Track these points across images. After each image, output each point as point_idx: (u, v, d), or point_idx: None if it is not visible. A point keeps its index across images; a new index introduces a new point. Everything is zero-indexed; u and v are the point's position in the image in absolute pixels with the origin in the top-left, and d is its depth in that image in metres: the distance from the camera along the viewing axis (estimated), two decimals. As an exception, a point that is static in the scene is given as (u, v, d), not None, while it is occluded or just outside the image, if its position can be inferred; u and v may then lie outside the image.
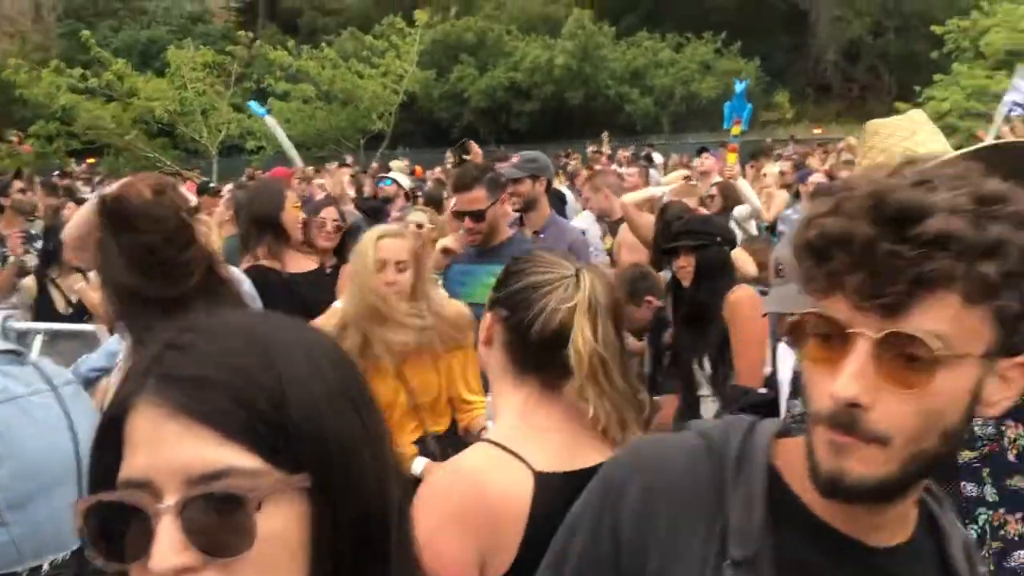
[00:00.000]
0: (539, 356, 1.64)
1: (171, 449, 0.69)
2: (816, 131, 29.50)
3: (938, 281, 0.84)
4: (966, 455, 1.78)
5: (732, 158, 7.17)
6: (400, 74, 24.28)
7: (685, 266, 3.81)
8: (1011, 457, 1.77)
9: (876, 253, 0.85)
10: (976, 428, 1.77)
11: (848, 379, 0.86)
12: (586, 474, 1.53)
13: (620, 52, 35.39)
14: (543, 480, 1.55)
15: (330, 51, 25.23)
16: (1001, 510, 1.75)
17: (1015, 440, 1.77)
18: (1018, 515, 1.76)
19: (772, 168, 9.06)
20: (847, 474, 0.88)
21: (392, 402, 2.95)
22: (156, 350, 0.75)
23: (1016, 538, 1.75)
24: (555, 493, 1.51)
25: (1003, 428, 1.77)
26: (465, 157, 6.93)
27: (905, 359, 0.86)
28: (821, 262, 0.90)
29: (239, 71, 24.08)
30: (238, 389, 0.71)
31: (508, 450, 1.58)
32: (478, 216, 3.74)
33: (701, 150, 9.07)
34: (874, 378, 0.86)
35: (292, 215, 3.93)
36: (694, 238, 3.81)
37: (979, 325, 0.87)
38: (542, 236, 4.59)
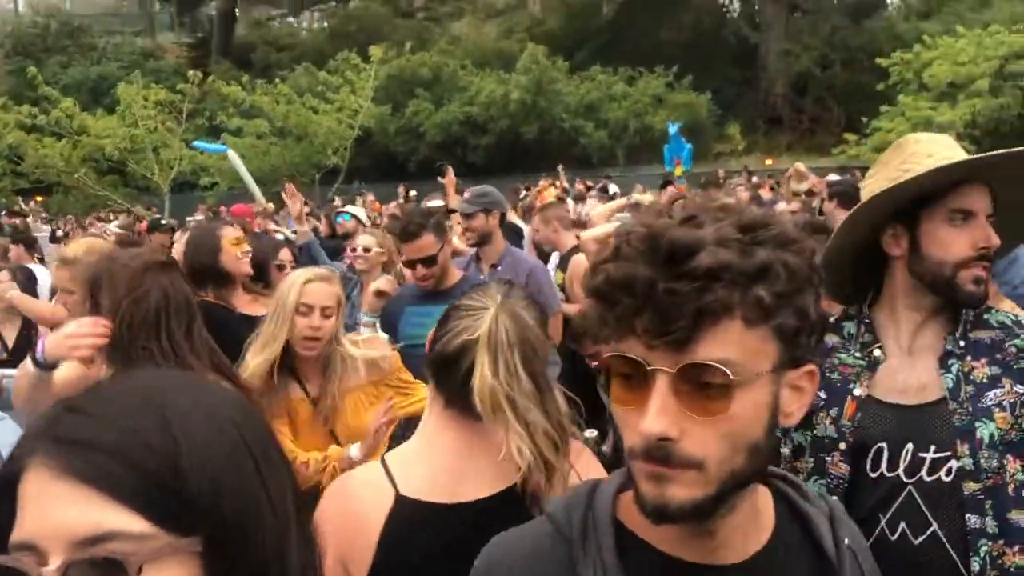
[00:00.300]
0: (438, 373, 1.72)
1: (56, 512, 0.69)
2: (768, 162, 30.02)
3: (718, 311, 0.90)
4: (971, 487, 1.76)
5: None
6: (355, 109, 24.25)
7: None
8: (1010, 491, 1.77)
9: (657, 292, 0.90)
10: (982, 460, 1.76)
11: (654, 416, 0.91)
12: (462, 508, 1.63)
13: (574, 86, 35.80)
14: (404, 504, 1.63)
15: (283, 87, 25.11)
16: (1000, 541, 1.75)
17: (1014, 475, 1.77)
18: (1016, 547, 1.75)
19: (725, 200, 9.14)
20: (670, 500, 0.93)
21: (317, 446, 2.87)
22: (54, 412, 0.74)
23: (1013, 569, 1.75)
24: (415, 521, 1.62)
25: (1005, 462, 1.77)
26: (440, 180, 7.00)
27: (702, 388, 0.91)
28: (610, 307, 0.95)
29: (191, 107, 23.83)
30: (128, 451, 0.70)
31: (387, 471, 1.67)
32: (430, 262, 3.78)
33: (666, 183, 9.09)
34: (677, 410, 0.91)
35: (231, 254, 3.78)
36: None
37: (763, 344, 0.93)
38: (499, 269, 4.57)
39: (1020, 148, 1.85)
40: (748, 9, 41.83)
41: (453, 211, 4.86)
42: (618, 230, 1.00)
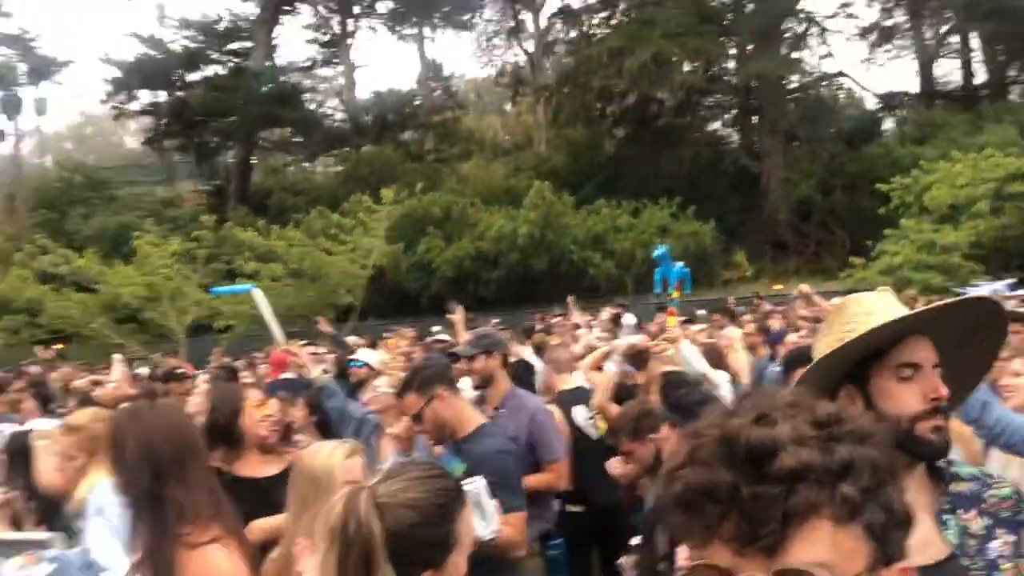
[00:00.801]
0: None
1: None
2: (777, 287, 30.21)
3: (806, 512, 0.87)
4: None
5: (671, 321, 7.23)
6: (368, 249, 24.71)
7: (668, 436, 3.90)
8: None
9: (742, 497, 0.87)
10: None
11: None
12: None
13: (580, 219, 36.46)
14: None
15: (296, 233, 25.62)
16: None
17: None
18: None
19: (734, 331, 9.14)
20: None
21: None
22: None
23: None
24: None
25: None
26: (449, 316, 7.18)
27: None
28: (694, 514, 0.92)
29: (207, 253, 24.34)
30: None
31: None
32: (416, 419, 3.87)
33: (659, 308, 9.15)
34: None
35: (250, 417, 3.84)
36: (683, 415, 3.90)
37: (855, 543, 0.89)
38: (502, 412, 4.59)
39: (951, 300, 1.92)
40: (746, 140, 42.99)
41: (457, 358, 4.92)
42: (688, 431, 0.99)
